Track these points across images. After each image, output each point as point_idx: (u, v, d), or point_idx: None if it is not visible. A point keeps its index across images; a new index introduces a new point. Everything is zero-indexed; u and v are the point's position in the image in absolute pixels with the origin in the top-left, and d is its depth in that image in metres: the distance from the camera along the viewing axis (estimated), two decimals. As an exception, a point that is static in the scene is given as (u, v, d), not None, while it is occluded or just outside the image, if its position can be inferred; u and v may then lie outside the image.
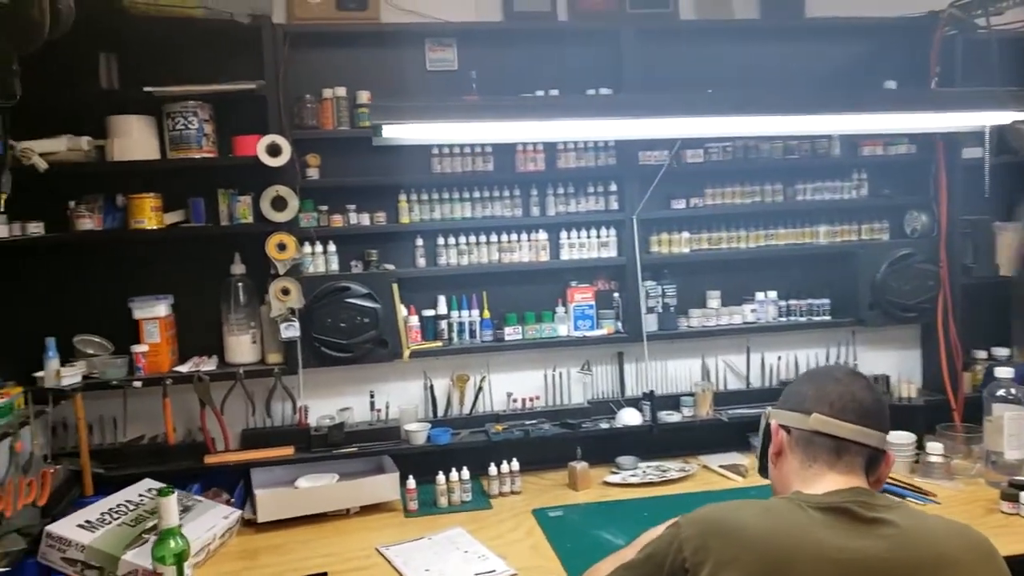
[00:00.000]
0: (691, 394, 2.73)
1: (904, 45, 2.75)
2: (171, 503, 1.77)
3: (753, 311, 2.78)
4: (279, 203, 2.39)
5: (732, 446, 2.71)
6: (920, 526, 1.26)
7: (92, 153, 2.30)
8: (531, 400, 2.72)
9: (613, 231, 2.69)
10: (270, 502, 2.30)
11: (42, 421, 2.13)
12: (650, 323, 2.71)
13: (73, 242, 2.34)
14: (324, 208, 2.55)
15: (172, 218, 2.43)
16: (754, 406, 2.72)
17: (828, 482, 1.33)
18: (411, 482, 2.39)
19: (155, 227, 2.36)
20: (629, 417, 2.67)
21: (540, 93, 2.62)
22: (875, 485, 1.38)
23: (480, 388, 2.68)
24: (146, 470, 2.36)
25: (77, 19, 2.11)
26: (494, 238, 2.64)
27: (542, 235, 2.67)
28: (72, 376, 2.30)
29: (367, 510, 2.40)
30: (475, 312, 2.65)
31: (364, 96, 2.53)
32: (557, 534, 2.17)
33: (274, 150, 2.33)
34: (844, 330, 2.85)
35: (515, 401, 2.72)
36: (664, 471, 2.57)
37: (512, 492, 2.48)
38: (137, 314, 2.41)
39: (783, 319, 2.80)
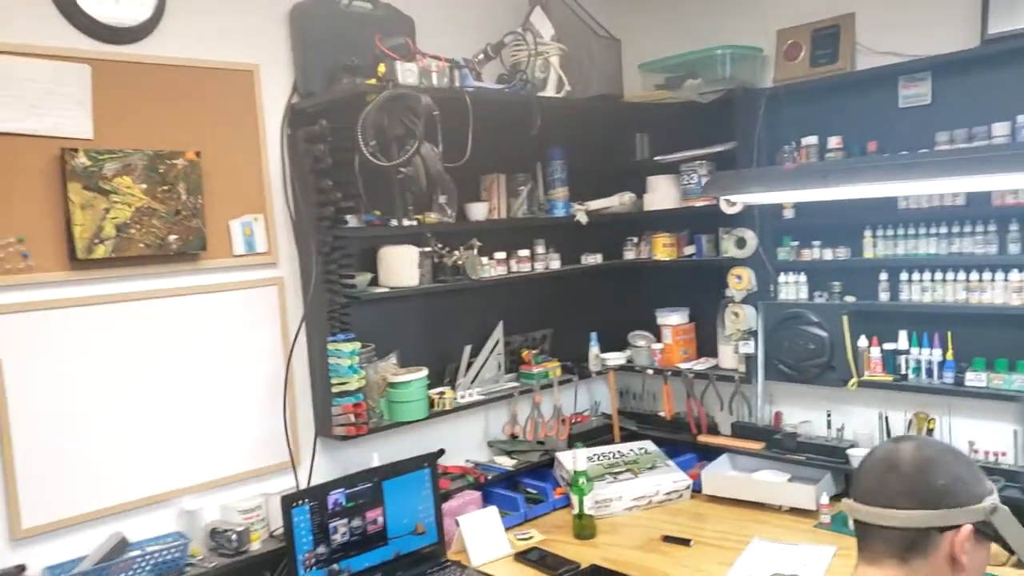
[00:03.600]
0: None
1: None
2: (580, 453, 2.66)
3: None
4: (740, 242, 2.91)
5: None
6: None
7: (630, 205, 3.26)
8: (997, 455, 2.51)
9: (1121, 275, 2.24)
10: (710, 480, 2.91)
11: (571, 387, 3.23)
12: None
13: (619, 268, 3.35)
14: (795, 244, 2.92)
15: (688, 251, 3.20)
16: None
17: (856, 573, 1.34)
18: (824, 498, 2.63)
19: (666, 258, 3.19)
20: (1107, 502, 2.22)
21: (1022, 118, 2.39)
22: (952, 567, 1.24)
23: (931, 430, 2.62)
24: (655, 434, 3.24)
25: (621, 114, 3.10)
26: (962, 276, 2.54)
27: (1020, 275, 2.42)
28: (616, 359, 3.33)
29: (795, 512, 2.73)
30: (936, 351, 2.60)
31: (833, 141, 2.78)
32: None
33: (731, 200, 2.87)
34: None
35: (976, 451, 2.55)
36: None
37: (932, 541, 2.44)
38: (659, 321, 3.28)
39: None
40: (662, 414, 3.27)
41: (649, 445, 3.17)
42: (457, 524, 2.45)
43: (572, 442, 3.11)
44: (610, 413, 3.36)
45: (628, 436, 3.29)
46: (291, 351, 2.40)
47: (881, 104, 2.68)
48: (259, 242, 2.36)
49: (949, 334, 2.57)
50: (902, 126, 2.63)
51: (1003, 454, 2.50)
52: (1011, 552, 1.32)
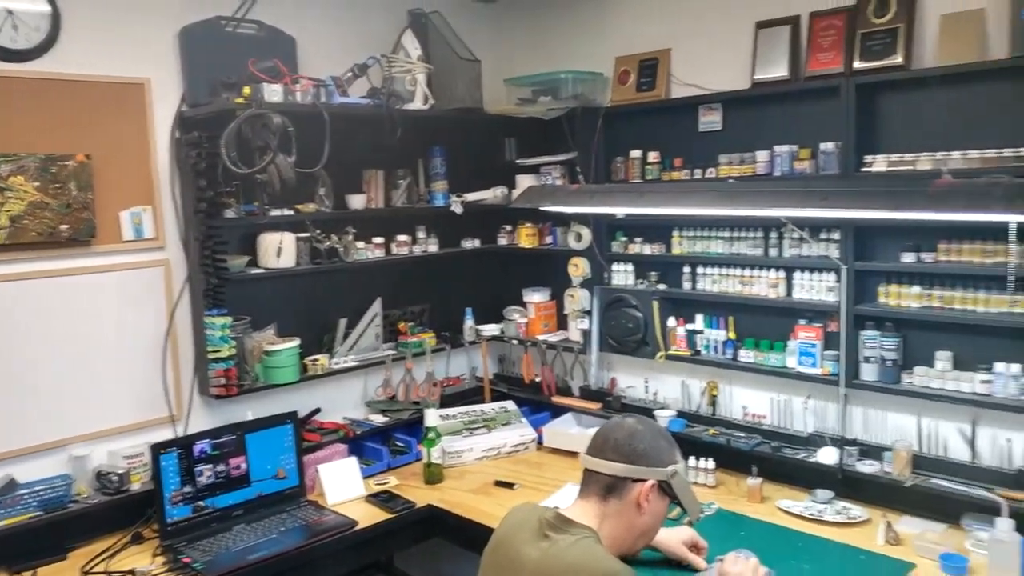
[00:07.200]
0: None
1: None
2: (431, 413, 3.21)
3: (985, 383, 2.48)
4: (578, 236, 3.45)
5: (928, 513, 2.56)
6: (560, 552, 1.71)
7: (502, 198, 3.78)
8: (759, 417, 3.09)
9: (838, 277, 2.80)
10: (549, 434, 3.48)
11: (445, 354, 3.78)
12: (870, 373, 2.73)
13: (493, 252, 3.88)
14: (624, 239, 3.46)
15: (548, 240, 3.74)
16: (963, 482, 2.51)
17: (572, 504, 1.90)
18: (630, 451, 3.21)
19: (528, 246, 3.72)
20: (825, 456, 2.80)
21: (783, 147, 2.90)
22: (637, 509, 1.81)
23: (714, 396, 3.20)
24: (521, 395, 3.80)
25: (492, 121, 3.61)
26: (738, 272, 3.09)
27: (776, 274, 2.97)
28: (491, 331, 3.88)
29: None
30: (722, 332, 3.17)
31: (652, 156, 3.30)
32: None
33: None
34: (1112, 431, 2.25)
35: (747, 415, 3.13)
36: (839, 513, 2.67)
37: (705, 484, 3.00)
38: (524, 298, 3.83)
39: (1030, 399, 2.41)
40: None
41: (510, 404, 3.73)
42: (317, 471, 3.01)
43: (444, 403, 3.68)
44: (482, 377, 3.92)
45: (500, 396, 3.85)
46: (170, 323, 2.93)
47: (687, 127, 3.21)
48: (147, 229, 2.86)
49: (731, 319, 3.14)
50: (701, 146, 3.16)
51: (764, 417, 3.08)
52: (683, 509, 1.93)
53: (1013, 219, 2.17)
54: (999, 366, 2.46)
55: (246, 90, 2.73)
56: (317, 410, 3.29)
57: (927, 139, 2.55)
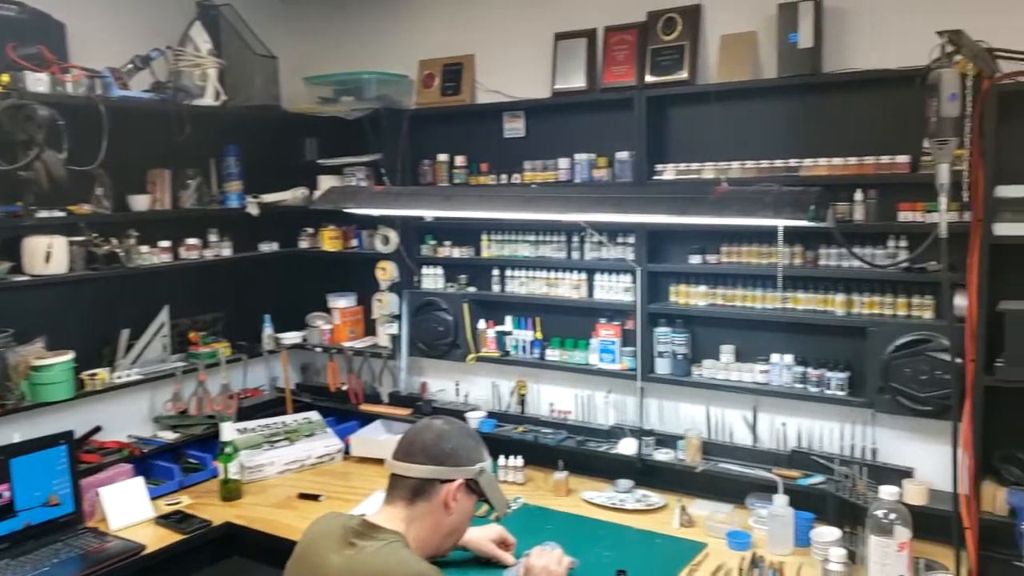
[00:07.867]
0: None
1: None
2: (228, 427, 3.01)
3: (763, 372, 2.72)
4: (385, 239, 3.39)
5: (717, 495, 2.75)
6: (366, 558, 1.66)
7: (303, 200, 3.63)
8: (565, 413, 3.19)
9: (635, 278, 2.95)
10: (357, 443, 3.39)
11: (243, 366, 3.57)
12: (664, 367, 2.90)
13: (294, 255, 3.73)
14: (433, 242, 3.44)
15: (353, 243, 3.63)
16: (746, 464, 2.74)
17: (378, 510, 1.83)
18: (441, 455, 3.19)
19: (332, 249, 3.60)
20: (625, 447, 2.94)
21: (583, 155, 3.01)
22: (444, 509, 1.79)
23: (523, 395, 3.27)
24: (326, 405, 3.66)
25: (291, 120, 3.45)
26: (544, 274, 3.17)
27: (578, 276, 3.08)
28: (292, 339, 3.71)
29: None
30: (530, 333, 3.23)
31: (460, 160, 3.31)
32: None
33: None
34: (865, 411, 2.55)
35: (554, 412, 3.23)
36: (638, 500, 2.80)
37: (513, 482, 3.04)
38: (329, 304, 3.70)
39: (799, 386, 2.66)
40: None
41: (314, 415, 3.58)
42: (97, 495, 2.72)
43: (242, 415, 3.47)
44: (284, 387, 3.74)
45: (303, 407, 3.68)
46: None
47: (492, 133, 3.25)
48: None
49: (538, 319, 3.22)
50: (506, 152, 3.22)
51: (569, 413, 3.19)
52: (491, 506, 1.94)
53: (780, 224, 2.39)
54: (775, 357, 2.70)
55: (4, 78, 2.43)
56: (97, 428, 2.99)
57: (711, 150, 2.75)
